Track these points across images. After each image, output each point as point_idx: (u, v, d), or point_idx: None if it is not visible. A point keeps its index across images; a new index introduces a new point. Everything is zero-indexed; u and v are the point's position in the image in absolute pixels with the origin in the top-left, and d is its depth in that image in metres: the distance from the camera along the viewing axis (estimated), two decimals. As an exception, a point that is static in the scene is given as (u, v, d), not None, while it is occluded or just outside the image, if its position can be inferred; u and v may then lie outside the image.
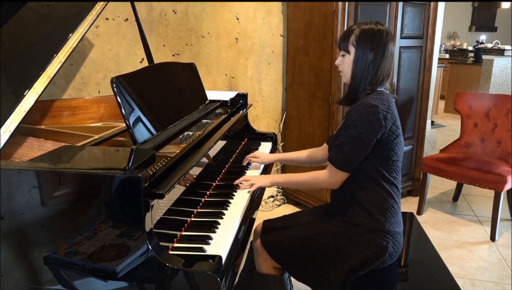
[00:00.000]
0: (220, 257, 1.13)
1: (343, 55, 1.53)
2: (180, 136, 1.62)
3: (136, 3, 2.15)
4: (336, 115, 2.78)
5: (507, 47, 6.29)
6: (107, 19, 2.45)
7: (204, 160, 1.60)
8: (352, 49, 1.50)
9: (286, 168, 3.46)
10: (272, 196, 3.39)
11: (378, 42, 1.47)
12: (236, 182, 1.64)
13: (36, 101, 1.29)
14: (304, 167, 1.93)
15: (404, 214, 1.83)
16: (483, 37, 9.65)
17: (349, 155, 1.45)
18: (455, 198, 3.47)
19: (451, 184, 3.63)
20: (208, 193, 1.60)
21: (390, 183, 1.49)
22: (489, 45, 6.96)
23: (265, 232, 1.64)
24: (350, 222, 1.50)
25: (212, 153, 1.69)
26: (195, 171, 1.52)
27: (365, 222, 1.47)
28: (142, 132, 1.39)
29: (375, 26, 1.49)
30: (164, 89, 1.70)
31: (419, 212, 3.16)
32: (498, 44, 6.90)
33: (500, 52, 6.23)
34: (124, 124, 1.42)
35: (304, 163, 1.86)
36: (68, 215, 1.12)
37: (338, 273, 1.45)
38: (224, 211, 1.45)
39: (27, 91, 1.27)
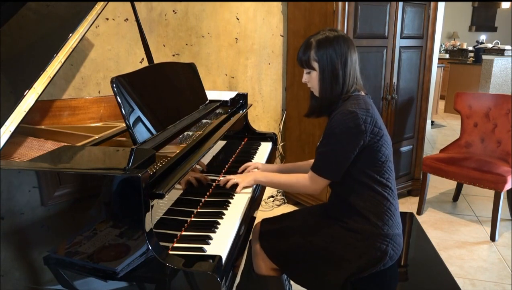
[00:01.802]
0: (220, 257, 1.13)
1: (308, 72, 1.51)
2: (180, 136, 1.62)
3: (136, 3, 2.15)
4: (336, 115, 2.77)
5: (507, 47, 6.30)
6: (107, 19, 2.45)
7: (204, 160, 1.60)
8: (315, 64, 1.47)
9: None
10: (272, 196, 3.39)
11: (339, 48, 1.44)
12: (221, 183, 1.62)
13: (36, 101, 1.29)
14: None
15: (404, 214, 1.84)
16: (483, 37, 9.66)
17: (329, 162, 1.44)
18: (455, 198, 3.47)
19: (451, 184, 3.63)
20: (208, 193, 1.60)
21: (383, 185, 1.47)
22: (489, 45, 6.96)
23: (264, 234, 1.63)
24: (348, 229, 1.48)
25: (212, 152, 1.69)
26: (195, 171, 1.52)
27: (364, 228, 1.46)
28: (142, 132, 1.39)
29: (330, 34, 1.47)
30: (164, 89, 1.70)
31: (419, 212, 3.16)
32: (498, 44, 6.90)
33: (500, 52, 6.24)
34: (124, 124, 1.42)
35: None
36: (68, 215, 1.12)
37: (338, 277, 1.44)
38: (224, 211, 1.45)
39: (27, 91, 1.27)
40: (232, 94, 2.32)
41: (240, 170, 1.82)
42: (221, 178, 1.68)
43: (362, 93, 1.52)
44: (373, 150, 1.44)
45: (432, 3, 3.11)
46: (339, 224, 1.51)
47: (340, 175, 1.46)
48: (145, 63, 2.39)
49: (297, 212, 1.77)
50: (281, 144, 3.47)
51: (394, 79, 3.06)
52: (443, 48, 8.80)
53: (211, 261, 1.11)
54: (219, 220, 1.38)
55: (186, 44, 2.84)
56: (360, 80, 1.53)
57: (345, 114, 1.40)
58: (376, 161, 1.46)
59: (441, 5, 4.99)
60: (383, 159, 1.46)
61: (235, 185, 1.62)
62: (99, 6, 1.57)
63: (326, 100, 1.50)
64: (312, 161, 1.79)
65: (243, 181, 1.61)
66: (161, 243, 1.12)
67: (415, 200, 3.32)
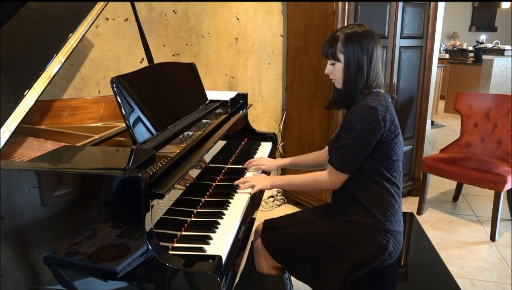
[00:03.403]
0: (220, 257, 1.13)
1: (332, 64, 1.53)
2: (180, 136, 1.62)
3: (136, 3, 2.15)
4: (336, 115, 2.77)
5: (507, 47, 6.29)
6: (107, 19, 2.45)
7: (204, 160, 1.60)
8: (341, 56, 1.49)
9: (286, 169, 3.45)
10: (272, 196, 3.39)
11: (366, 43, 1.47)
12: (237, 182, 1.65)
13: (36, 101, 1.29)
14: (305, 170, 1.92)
15: (404, 214, 1.83)
16: (483, 37, 9.66)
17: (349, 157, 1.45)
18: (455, 198, 3.47)
19: (451, 184, 3.63)
20: (208, 193, 1.60)
21: (391, 182, 1.49)
22: (489, 45, 6.96)
23: (266, 231, 1.65)
24: (350, 221, 1.50)
25: (212, 152, 1.69)
26: (195, 171, 1.52)
27: (366, 221, 1.48)
28: (142, 132, 1.39)
29: (359, 28, 1.49)
30: (164, 89, 1.70)
31: (419, 212, 3.16)
32: (498, 44, 6.90)
33: (500, 52, 6.23)
34: (124, 124, 1.42)
35: (308, 167, 1.85)
36: (68, 215, 1.12)
37: (338, 271, 1.45)
38: (224, 211, 1.45)
39: (27, 91, 1.27)
40: (232, 94, 2.32)
41: (245, 165, 1.85)
42: (222, 178, 1.68)
43: (382, 90, 1.54)
44: (387, 147, 1.46)
45: (432, 3, 3.11)
46: (341, 217, 1.53)
47: (355, 169, 1.47)
48: (145, 63, 2.39)
49: (300, 212, 1.78)
50: (281, 144, 3.47)
51: (394, 79, 3.06)
52: (443, 48, 8.79)
53: (211, 261, 1.11)
54: (219, 220, 1.38)
55: (186, 44, 2.84)
56: (382, 77, 1.55)
57: (365, 109, 1.42)
58: (389, 158, 1.48)
59: (441, 5, 4.99)
60: (394, 158, 1.49)
61: (237, 186, 1.63)
62: (99, 6, 1.57)
63: (348, 92, 1.51)
64: (318, 153, 1.82)
65: (260, 184, 1.63)
66: (161, 243, 1.12)
67: (415, 200, 3.32)
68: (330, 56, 1.52)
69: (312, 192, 3.05)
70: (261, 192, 1.75)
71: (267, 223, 1.71)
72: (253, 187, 1.62)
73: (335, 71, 1.53)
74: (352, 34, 1.48)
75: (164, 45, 2.73)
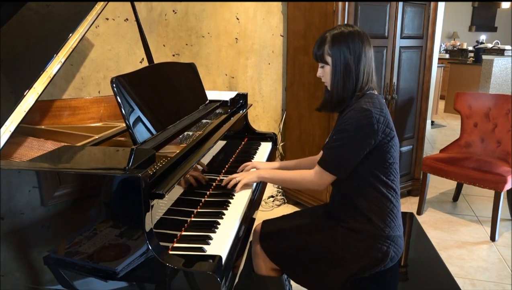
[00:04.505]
0: (220, 257, 1.13)
1: (322, 67, 1.51)
2: (180, 136, 1.62)
3: (136, 3, 2.15)
4: (336, 115, 2.77)
5: (507, 47, 6.29)
6: (107, 19, 2.45)
7: (204, 160, 1.60)
8: (328, 58, 1.47)
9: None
10: (272, 196, 3.39)
11: (352, 44, 1.44)
12: (224, 182, 1.61)
13: (36, 101, 1.29)
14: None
15: (404, 214, 1.84)
16: (483, 37, 9.66)
17: (338, 158, 1.43)
18: (455, 198, 3.47)
19: (451, 184, 3.63)
20: (208, 193, 1.60)
21: (388, 187, 1.47)
22: (489, 45, 6.96)
23: (264, 234, 1.63)
24: (350, 229, 1.48)
25: (212, 152, 1.69)
26: (195, 171, 1.52)
27: (366, 228, 1.46)
28: (142, 132, 1.39)
29: (345, 29, 1.46)
30: (164, 89, 1.70)
31: (419, 212, 3.16)
32: (498, 44, 6.90)
33: (500, 52, 6.23)
34: (124, 124, 1.42)
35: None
36: (68, 215, 1.12)
37: (338, 278, 1.44)
38: (224, 211, 1.44)
39: (27, 91, 1.27)
40: (232, 94, 2.32)
41: (239, 170, 1.80)
42: (222, 178, 1.68)
43: (376, 92, 1.51)
44: (382, 150, 1.44)
45: (432, 3, 3.11)
46: (341, 224, 1.51)
47: (347, 172, 1.45)
48: (145, 63, 2.39)
49: (298, 213, 1.77)
50: (281, 144, 3.47)
51: (394, 79, 3.06)
52: (443, 48, 8.80)
53: (211, 261, 1.11)
54: (219, 220, 1.38)
55: (186, 44, 2.84)
56: (374, 78, 1.52)
57: (359, 112, 1.40)
58: (384, 162, 1.45)
59: (441, 5, 4.99)
60: (391, 161, 1.46)
61: (236, 184, 1.62)
62: (99, 6, 1.57)
63: (338, 96, 1.48)
64: (314, 157, 1.80)
65: (246, 178, 1.60)
66: (161, 243, 1.12)
67: (415, 200, 3.32)
68: (318, 59, 1.50)
69: (312, 192, 3.05)
70: (261, 192, 1.75)
71: (266, 224, 1.69)
72: (239, 181, 1.58)
73: (325, 74, 1.51)
74: (338, 35, 1.45)
75: (164, 45, 2.73)
